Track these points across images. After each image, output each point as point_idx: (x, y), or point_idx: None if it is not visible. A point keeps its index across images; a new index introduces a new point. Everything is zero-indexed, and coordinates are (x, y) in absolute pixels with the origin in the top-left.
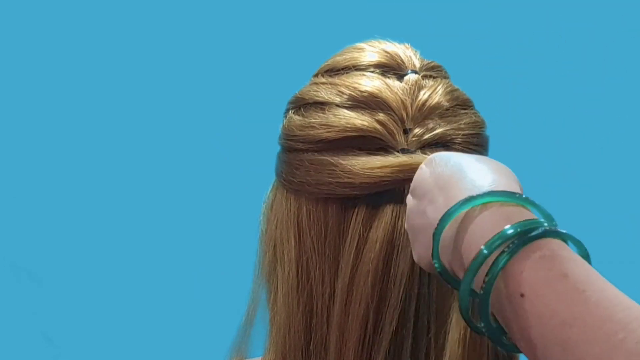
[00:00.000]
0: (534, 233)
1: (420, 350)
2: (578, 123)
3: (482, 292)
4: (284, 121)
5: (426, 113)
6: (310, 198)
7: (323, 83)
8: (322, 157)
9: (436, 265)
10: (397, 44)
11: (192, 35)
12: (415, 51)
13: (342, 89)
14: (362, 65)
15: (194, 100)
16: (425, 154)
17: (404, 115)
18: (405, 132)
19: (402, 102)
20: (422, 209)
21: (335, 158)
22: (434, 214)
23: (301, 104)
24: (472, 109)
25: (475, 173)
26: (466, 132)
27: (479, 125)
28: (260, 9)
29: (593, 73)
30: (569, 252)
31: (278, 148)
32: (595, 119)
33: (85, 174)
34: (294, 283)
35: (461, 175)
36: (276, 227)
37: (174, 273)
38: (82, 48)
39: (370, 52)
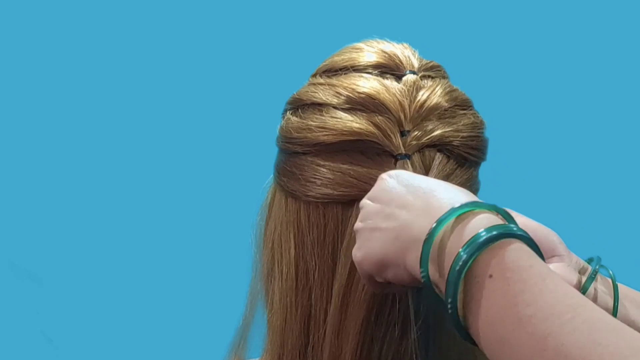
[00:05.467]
0: (505, 232)
1: (417, 353)
2: (579, 124)
3: (453, 275)
4: (282, 122)
5: (424, 114)
6: (309, 200)
7: (321, 84)
8: (320, 161)
9: (422, 271)
10: (395, 44)
11: (190, 35)
12: (414, 51)
13: (340, 90)
14: (360, 65)
15: (193, 100)
16: (423, 156)
17: (402, 117)
18: (403, 134)
19: (400, 103)
20: (388, 212)
21: (334, 163)
22: (411, 217)
23: (299, 105)
24: (471, 110)
25: (446, 189)
26: (465, 134)
27: (478, 126)
28: (259, 8)
29: (594, 73)
30: (532, 251)
31: (275, 148)
32: (596, 119)
33: (85, 173)
34: (292, 284)
35: (435, 189)
36: (275, 229)
37: (173, 273)
38: (82, 47)
39: (369, 52)
